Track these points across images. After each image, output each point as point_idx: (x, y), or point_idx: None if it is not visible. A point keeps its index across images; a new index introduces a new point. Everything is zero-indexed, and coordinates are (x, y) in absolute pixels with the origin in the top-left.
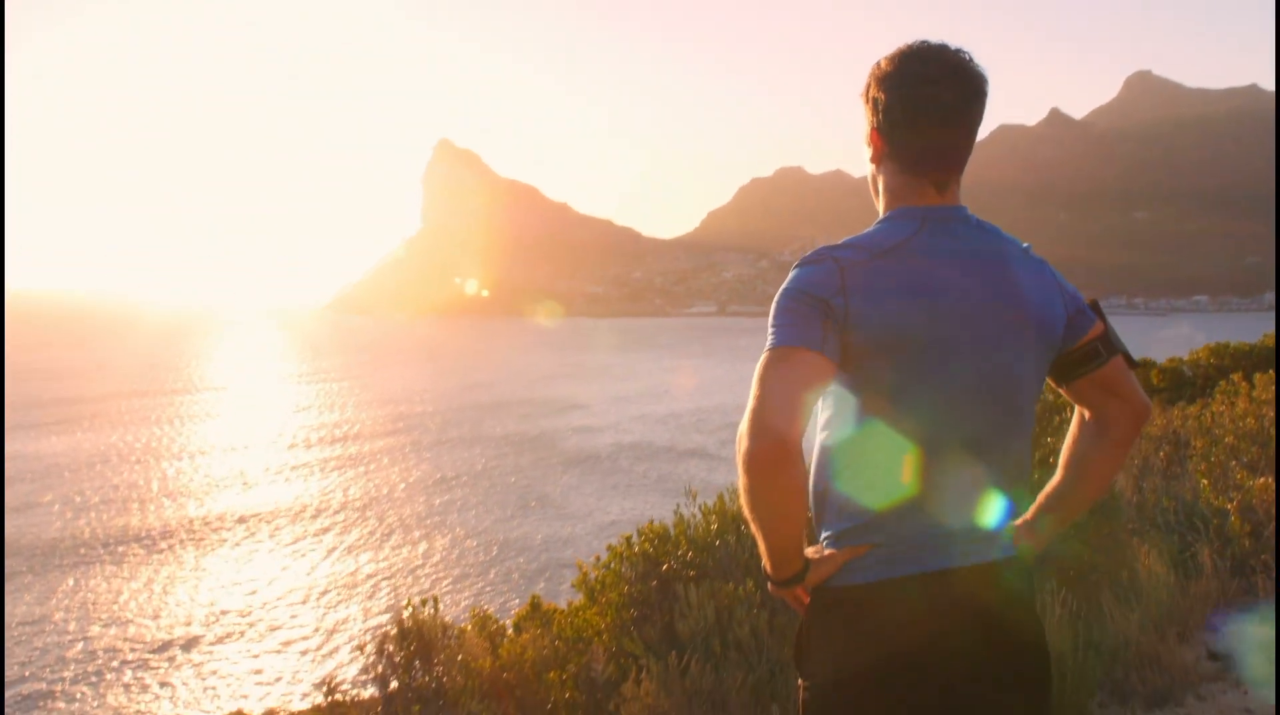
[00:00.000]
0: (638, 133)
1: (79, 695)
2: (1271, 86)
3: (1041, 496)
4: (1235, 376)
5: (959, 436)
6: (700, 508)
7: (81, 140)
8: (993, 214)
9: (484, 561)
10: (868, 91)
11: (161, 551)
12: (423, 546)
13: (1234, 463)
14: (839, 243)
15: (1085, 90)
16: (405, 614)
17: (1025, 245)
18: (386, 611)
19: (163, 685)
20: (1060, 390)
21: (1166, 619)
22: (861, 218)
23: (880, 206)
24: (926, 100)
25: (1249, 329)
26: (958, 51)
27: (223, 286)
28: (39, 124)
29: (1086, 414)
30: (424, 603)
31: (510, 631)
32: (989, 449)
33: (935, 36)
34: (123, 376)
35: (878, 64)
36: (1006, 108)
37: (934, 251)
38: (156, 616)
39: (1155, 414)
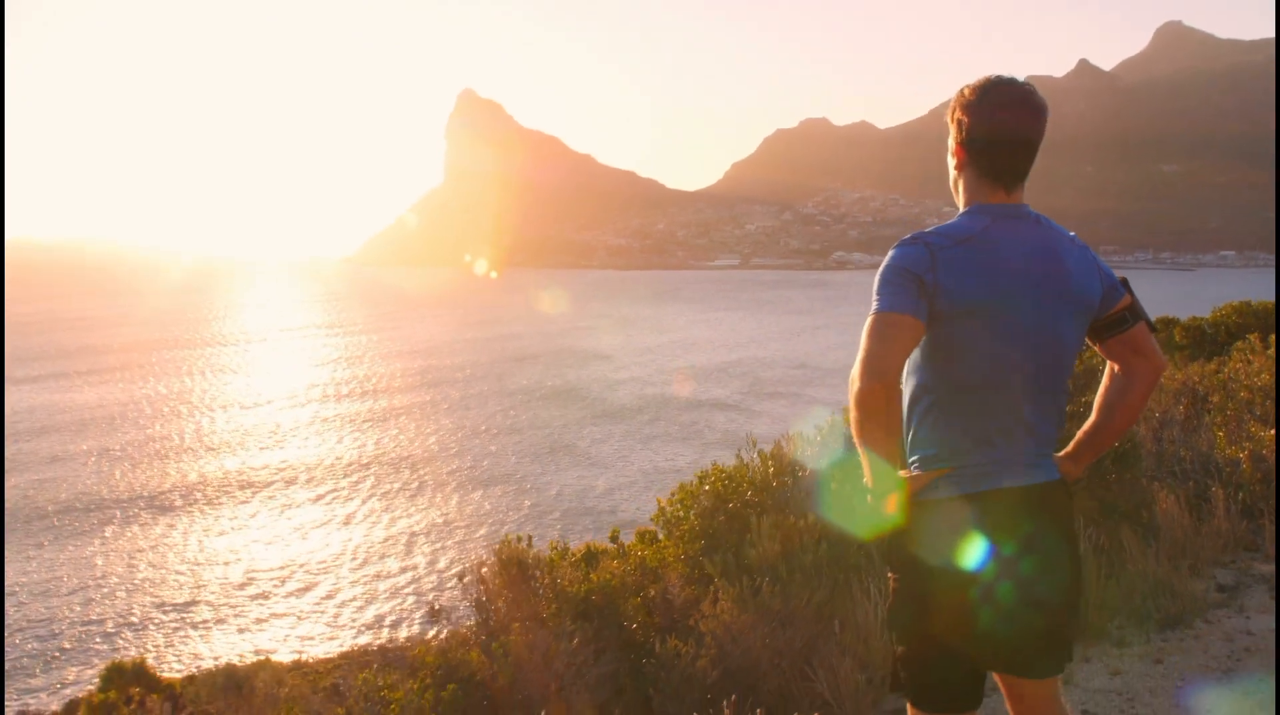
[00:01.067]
0: (662, 84)
1: (121, 640)
2: None
3: (1080, 433)
4: (1253, 336)
5: (1014, 384)
6: (758, 454)
7: (105, 87)
8: None
9: (519, 513)
10: (953, 114)
11: (197, 503)
12: (455, 499)
13: (1248, 416)
14: (929, 229)
15: (1114, 41)
16: (504, 545)
17: (1071, 234)
18: (429, 562)
19: (201, 633)
20: (1095, 347)
21: (1180, 554)
22: (885, 169)
23: (960, 203)
24: (1000, 124)
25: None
26: (1024, 84)
27: (246, 237)
28: (61, 67)
29: (1115, 368)
30: (519, 538)
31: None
32: (1037, 394)
33: None
34: (150, 327)
35: (961, 92)
36: (1034, 59)
37: (1000, 240)
38: (196, 566)
39: (1175, 370)
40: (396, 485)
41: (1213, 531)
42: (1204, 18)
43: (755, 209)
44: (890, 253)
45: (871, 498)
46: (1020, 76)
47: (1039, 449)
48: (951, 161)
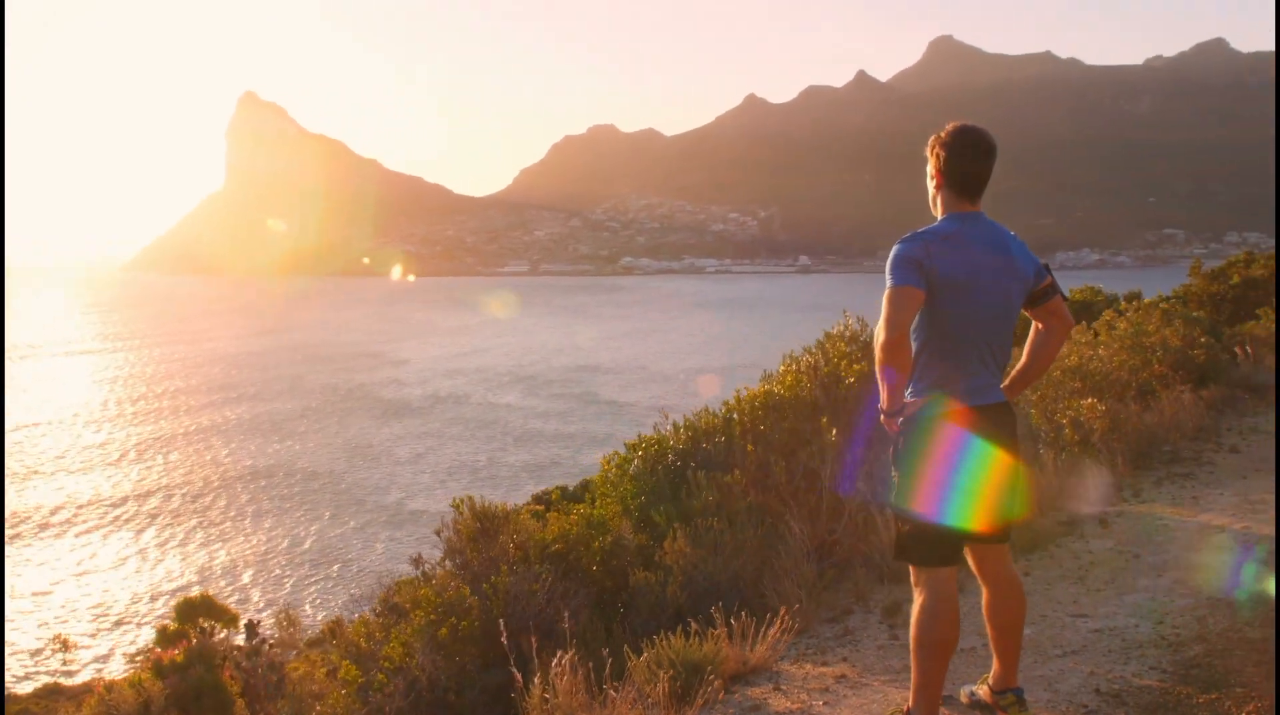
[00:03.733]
0: (449, 88)
1: None
2: (1065, 54)
3: (1014, 372)
4: None
5: (980, 334)
6: (672, 425)
7: None
8: (802, 172)
9: (343, 511)
10: (932, 148)
11: None
12: (269, 521)
13: (1059, 392)
14: (922, 229)
15: (891, 54)
16: (471, 502)
17: (1013, 233)
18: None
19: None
20: (1027, 312)
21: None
22: (671, 176)
23: (938, 211)
24: (967, 157)
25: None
26: (982, 129)
27: (13, 241)
28: None
29: (1039, 326)
30: (470, 498)
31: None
32: (993, 342)
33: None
34: None
35: (938, 135)
36: (815, 69)
37: (969, 237)
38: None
39: None
40: (215, 505)
41: (1046, 485)
42: (972, 33)
43: (544, 215)
44: (896, 246)
45: (884, 417)
46: (802, 86)
47: (995, 380)
48: (931, 182)
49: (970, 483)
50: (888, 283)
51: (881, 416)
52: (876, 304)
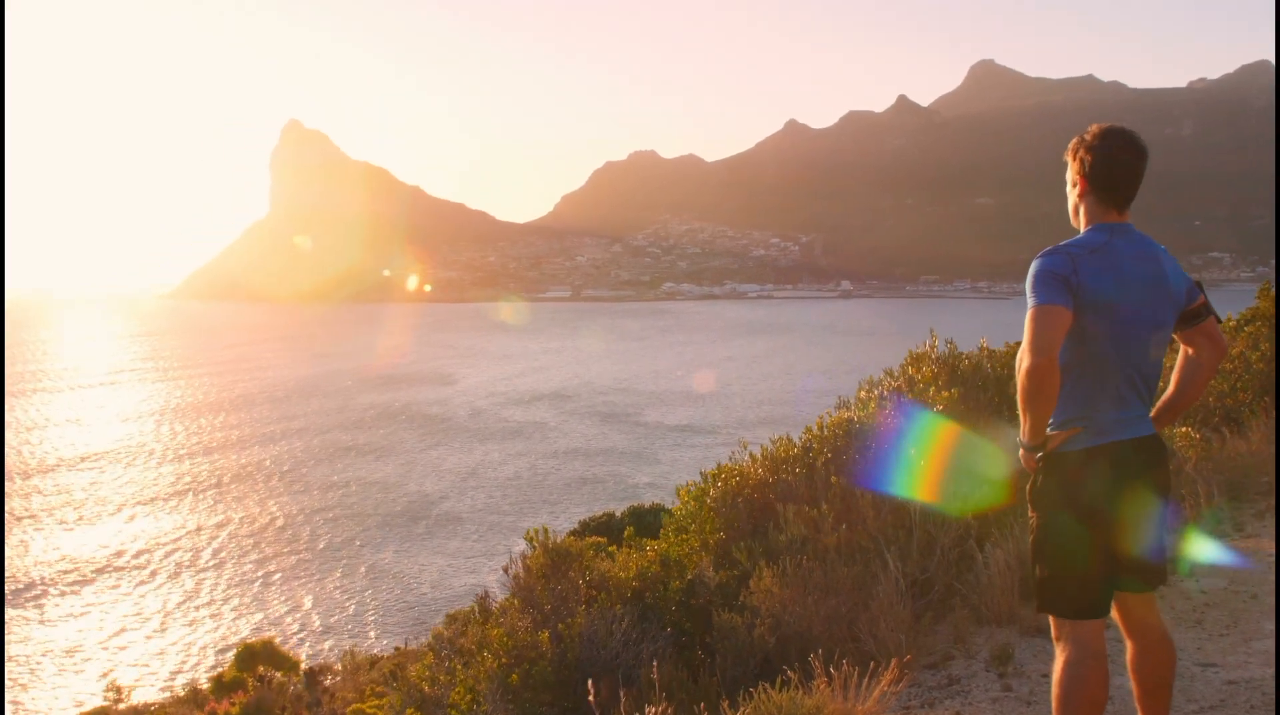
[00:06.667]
0: (491, 115)
1: None
2: (1107, 78)
3: (1161, 401)
4: None
5: (1130, 359)
6: (749, 456)
7: None
8: (843, 197)
9: (397, 535)
10: (1074, 153)
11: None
12: (322, 542)
13: None
14: (1065, 243)
15: (931, 78)
16: (545, 535)
17: (1162, 247)
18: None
19: None
20: (1175, 335)
21: None
22: (712, 201)
23: (1081, 223)
24: (1114, 161)
25: None
26: (1131, 131)
27: (57, 270)
28: None
29: (1190, 350)
30: (543, 530)
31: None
32: (1144, 367)
33: (786, 25)
34: None
35: (1082, 137)
36: (856, 94)
37: (1119, 250)
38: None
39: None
40: (271, 532)
41: None
42: (1014, 57)
43: (586, 241)
44: (1037, 261)
45: (1023, 451)
46: (842, 111)
47: (1145, 409)
48: (1073, 190)
49: (1114, 525)
50: (1030, 301)
51: (1020, 452)
52: (925, 327)
